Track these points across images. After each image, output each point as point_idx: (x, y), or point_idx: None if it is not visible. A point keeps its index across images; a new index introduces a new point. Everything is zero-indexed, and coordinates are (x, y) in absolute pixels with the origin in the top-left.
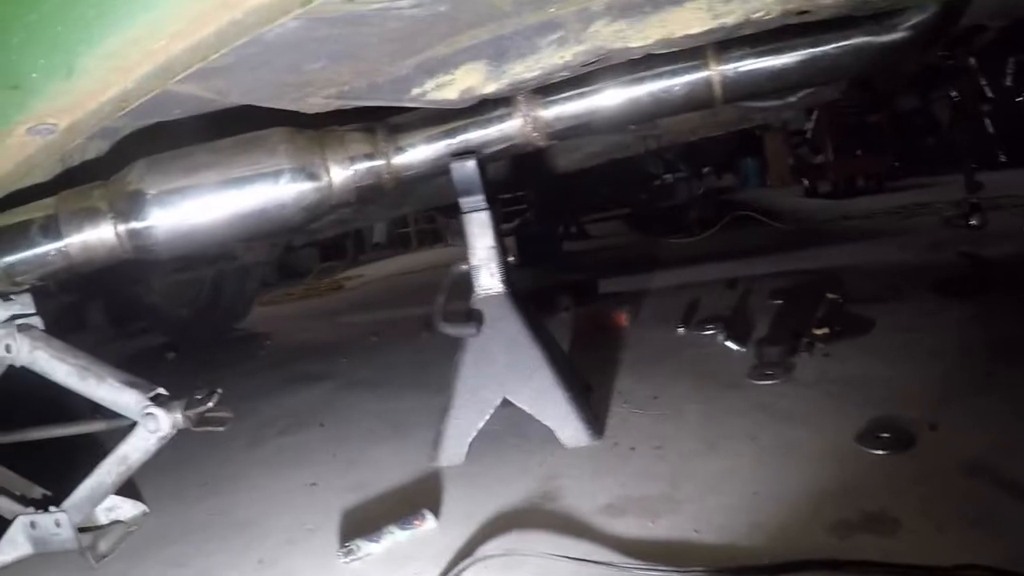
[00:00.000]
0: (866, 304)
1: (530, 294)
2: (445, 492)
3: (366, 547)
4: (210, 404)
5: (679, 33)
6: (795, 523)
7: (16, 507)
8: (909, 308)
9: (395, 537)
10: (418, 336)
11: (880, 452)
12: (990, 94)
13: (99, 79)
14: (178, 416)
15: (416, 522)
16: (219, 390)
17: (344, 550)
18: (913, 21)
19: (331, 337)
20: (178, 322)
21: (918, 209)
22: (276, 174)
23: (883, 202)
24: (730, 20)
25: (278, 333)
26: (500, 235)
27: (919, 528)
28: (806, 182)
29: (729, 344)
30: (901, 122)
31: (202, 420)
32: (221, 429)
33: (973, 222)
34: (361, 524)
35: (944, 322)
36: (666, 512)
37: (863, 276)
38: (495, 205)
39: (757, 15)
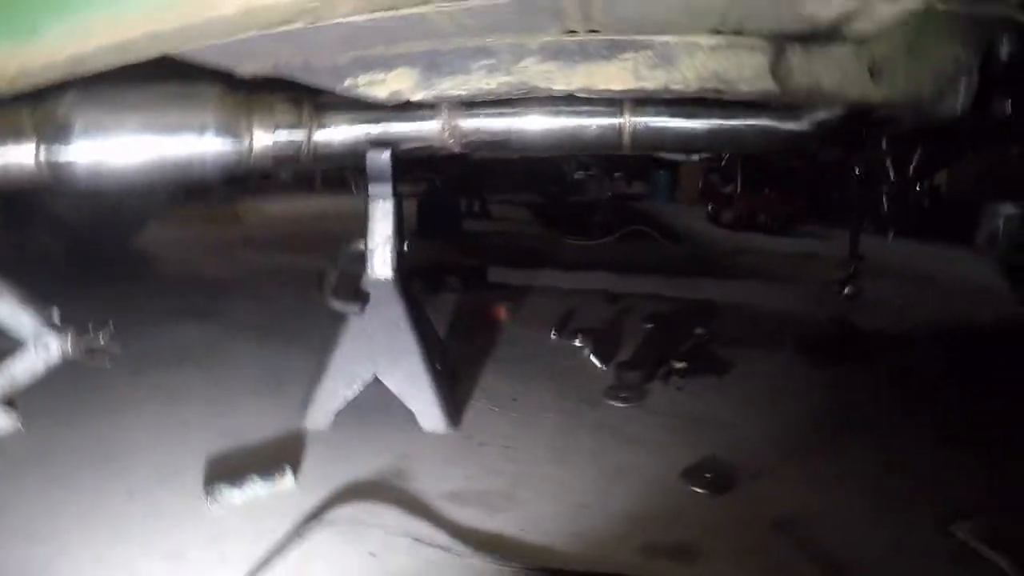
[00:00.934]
0: (730, 346)
1: (420, 269)
2: (307, 453)
3: (228, 493)
4: (100, 341)
5: (601, 86)
6: (610, 539)
7: None
8: (769, 360)
9: (255, 488)
10: (311, 291)
11: (700, 490)
12: (892, 176)
13: (59, 45)
14: (68, 346)
15: (277, 476)
16: (111, 325)
17: (207, 493)
18: (818, 118)
19: (225, 273)
20: (74, 231)
21: (808, 260)
22: (202, 128)
23: (778, 244)
24: (650, 85)
25: (170, 258)
26: (400, 225)
27: (716, 564)
28: (711, 207)
29: (593, 360)
30: (817, 170)
31: (89, 351)
32: (107, 366)
33: (846, 291)
34: (227, 470)
35: (797, 380)
36: (503, 509)
37: (736, 317)
38: (400, 197)
39: (676, 86)
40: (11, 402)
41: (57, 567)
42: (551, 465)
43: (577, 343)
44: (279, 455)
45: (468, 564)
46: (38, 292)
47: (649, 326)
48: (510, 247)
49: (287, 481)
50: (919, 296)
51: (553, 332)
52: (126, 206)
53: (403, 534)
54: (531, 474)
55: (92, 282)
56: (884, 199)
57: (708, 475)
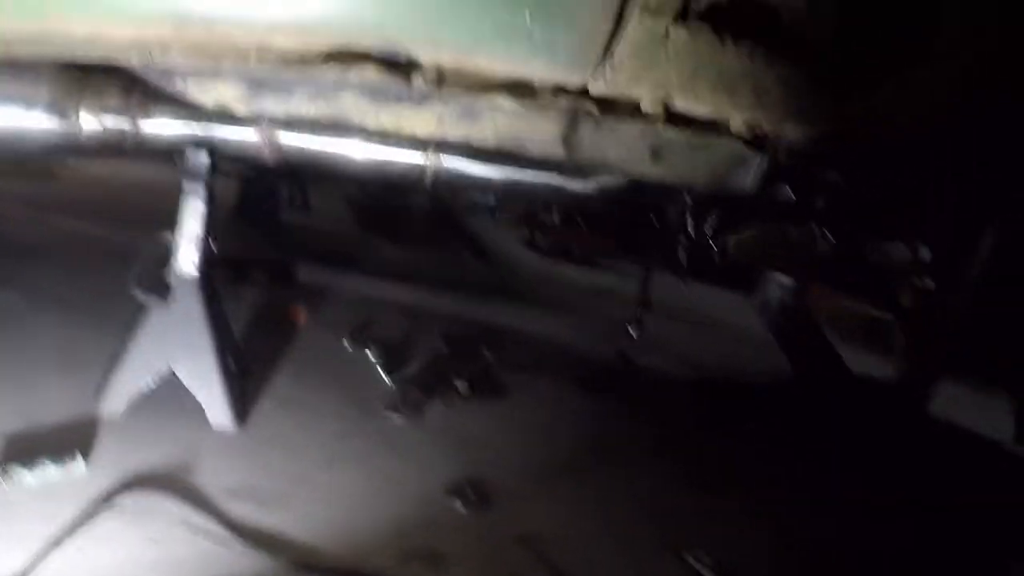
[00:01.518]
0: (514, 371)
1: (229, 259)
2: (100, 438)
3: (20, 474)
4: None
5: (407, 129)
6: (372, 543)
7: None
8: (548, 388)
9: (47, 470)
10: (124, 266)
11: (459, 504)
12: (691, 233)
13: None
14: None
15: (68, 460)
16: None
17: (1, 472)
18: (603, 183)
19: (32, 235)
20: None
21: (608, 294)
22: (29, 103)
23: (585, 277)
24: (452, 134)
25: None
26: (210, 226)
27: (462, 571)
28: (528, 232)
29: (381, 372)
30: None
31: None
32: None
33: (631, 331)
34: (20, 450)
35: (571, 411)
36: (277, 507)
37: (526, 344)
38: (213, 198)
39: (476, 139)
40: None
41: None
42: (326, 469)
43: (368, 353)
44: (72, 438)
45: (241, 556)
46: None
47: (441, 344)
48: (323, 244)
49: (78, 465)
50: (700, 340)
51: (347, 339)
52: None
53: (184, 524)
54: (306, 476)
55: None
56: (681, 248)
57: (467, 492)
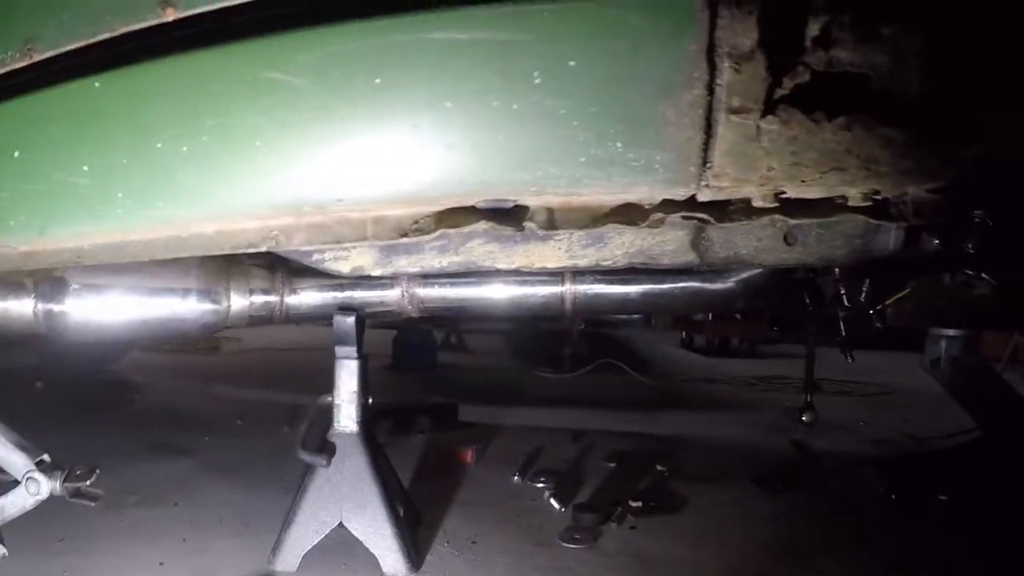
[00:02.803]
0: (688, 482)
1: (391, 410)
2: None
3: None
4: (87, 482)
5: (539, 264)
6: None
7: None
8: (725, 493)
9: None
10: (281, 428)
11: None
12: (847, 303)
13: (63, 240)
14: (56, 485)
15: None
16: (97, 470)
17: None
18: (743, 278)
19: (198, 407)
20: (51, 349)
21: (776, 381)
22: (184, 292)
23: (748, 368)
24: (583, 262)
25: (148, 387)
26: (364, 382)
27: None
28: (684, 334)
29: (552, 502)
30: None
31: (76, 493)
32: (92, 504)
33: (804, 419)
34: None
35: (751, 513)
36: None
37: (698, 450)
38: (365, 358)
39: (606, 262)
40: None
41: None
42: None
43: (539, 484)
44: None
45: None
46: (19, 423)
47: (611, 464)
48: (483, 381)
49: None
50: (875, 414)
51: (516, 474)
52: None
53: None
54: None
55: (71, 407)
56: (840, 323)
57: None
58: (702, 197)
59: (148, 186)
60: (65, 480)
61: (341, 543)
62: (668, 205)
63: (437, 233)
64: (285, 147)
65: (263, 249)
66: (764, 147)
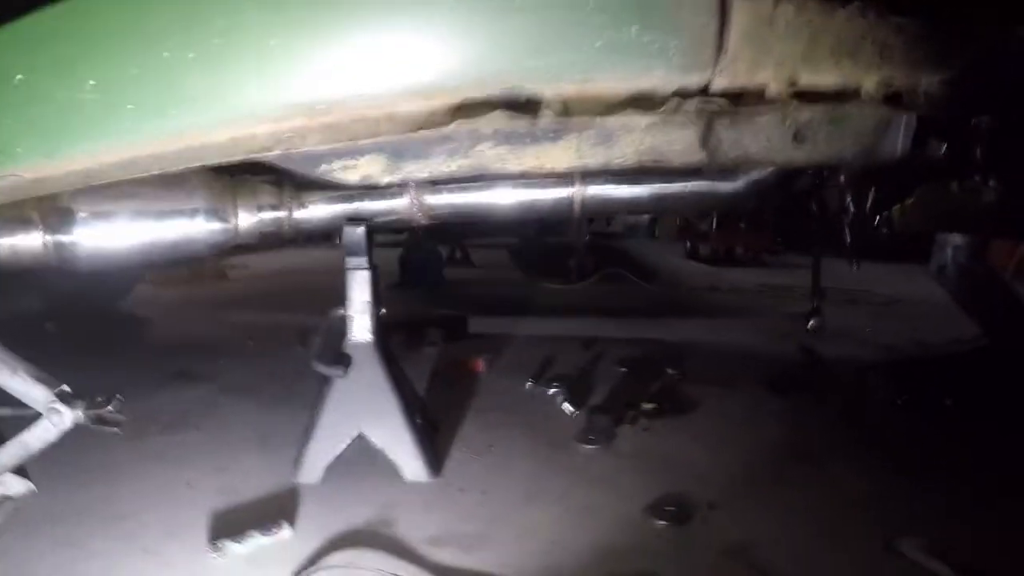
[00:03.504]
0: (700, 385)
1: (402, 323)
2: (301, 506)
3: (231, 547)
4: (109, 408)
5: (549, 166)
6: (578, 572)
7: None
8: (736, 396)
9: (257, 541)
10: (294, 348)
11: (661, 523)
12: (852, 210)
13: (72, 161)
14: (79, 413)
15: (275, 529)
16: (119, 397)
17: (213, 547)
18: (752, 178)
19: (210, 334)
20: (57, 290)
21: (781, 291)
22: (192, 212)
23: (753, 277)
24: (592, 162)
25: (160, 320)
26: (376, 293)
27: None
28: (688, 244)
29: (565, 406)
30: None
31: (99, 419)
32: (115, 431)
33: (810, 326)
34: (229, 526)
35: (762, 415)
36: (479, 549)
37: (707, 355)
38: (375, 268)
39: (616, 161)
40: (21, 467)
41: None
42: (523, 507)
43: (551, 390)
44: (276, 509)
45: None
46: (34, 360)
47: (623, 369)
48: (490, 295)
49: (284, 532)
50: (881, 322)
51: (529, 381)
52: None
53: (391, 574)
54: (505, 516)
55: (85, 346)
56: (846, 231)
57: (669, 509)
58: (716, 85)
59: (158, 96)
60: (87, 408)
61: (360, 453)
62: (683, 95)
63: (452, 126)
64: (297, 44)
65: (276, 152)
66: (778, 32)
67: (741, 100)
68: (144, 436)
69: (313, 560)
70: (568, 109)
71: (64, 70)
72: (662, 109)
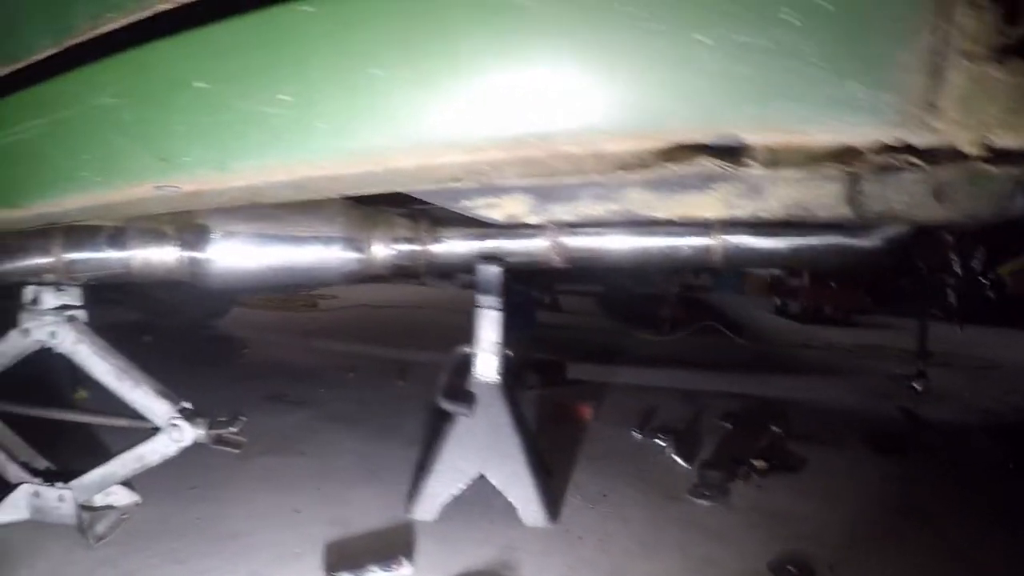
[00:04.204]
0: (803, 443)
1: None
2: (418, 543)
3: None
4: (232, 429)
5: (695, 213)
6: None
7: (22, 474)
8: (841, 455)
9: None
10: (392, 383)
11: None
12: (958, 270)
13: (240, 176)
14: (201, 432)
15: (394, 566)
16: (243, 418)
17: None
18: (889, 235)
19: (307, 360)
20: (154, 304)
21: (875, 351)
22: (329, 241)
23: (845, 336)
24: (739, 213)
25: (253, 342)
26: (504, 334)
27: None
28: (777, 300)
29: (676, 459)
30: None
31: (219, 440)
32: (236, 451)
33: (916, 387)
34: (343, 558)
35: (870, 475)
36: None
37: (807, 413)
38: (505, 310)
39: (762, 213)
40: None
41: None
42: (643, 559)
43: (659, 441)
44: (391, 544)
45: None
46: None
47: (726, 425)
48: (582, 341)
49: (404, 569)
50: (984, 385)
51: (635, 430)
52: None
53: None
54: (625, 567)
55: (181, 362)
56: (951, 291)
57: (791, 567)
58: (920, 141)
59: (353, 115)
60: (210, 427)
61: (476, 494)
62: (886, 151)
63: (654, 169)
64: (509, 74)
65: (467, 183)
66: (988, 93)
67: (935, 158)
68: (248, 456)
69: None
70: (774, 158)
71: (254, 81)
72: (867, 163)
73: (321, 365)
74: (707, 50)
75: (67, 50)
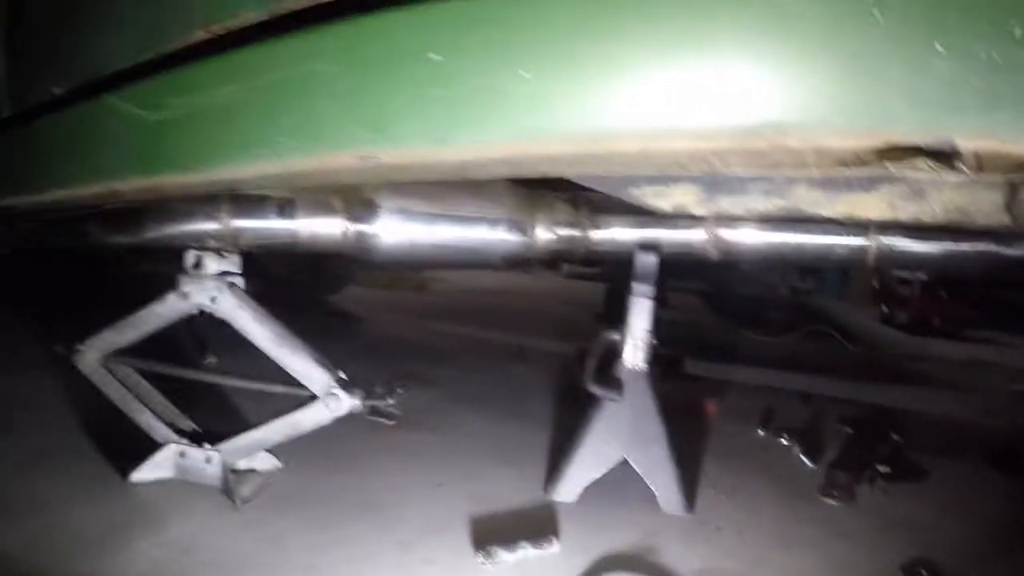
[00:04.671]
0: (923, 453)
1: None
2: (562, 523)
3: (501, 555)
4: (388, 401)
5: (859, 214)
6: None
7: (169, 434)
8: (961, 468)
9: (526, 552)
10: (512, 367)
11: None
12: None
13: (458, 151)
14: (358, 402)
15: (544, 543)
16: (400, 390)
17: (484, 552)
18: None
19: (424, 340)
20: (272, 278)
21: (988, 367)
22: (494, 222)
23: (954, 350)
24: (903, 215)
25: (371, 321)
26: (654, 323)
27: None
28: (884, 308)
29: (803, 458)
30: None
31: (375, 411)
32: (390, 423)
33: None
34: (490, 533)
35: (991, 491)
36: None
37: (924, 424)
38: (657, 299)
39: (924, 217)
40: None
41: None
42: (782, 552)
43: (783, 441)
44: (536, 522)
45: None
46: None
47: (846, 429)
48: (693, 337)
49: (554, 547)
50: None
51: (759, 429)
52: (328, 265)
53: None
54: (766, 559)
55: (304, 334)
56: None
57: (922, 572)
58: None
59: (587, 96)
60: (366, 397)
61: (611, 481)
62: None
63: (871, 167)
64: (751, 61)
65: (692, 170)
66: None
67: None
68: (380, 431)
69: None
70: (980, 164)
71: (496, 55)
72: None
73: (438, 346)
74: (942, 58)
75: (277, 17)
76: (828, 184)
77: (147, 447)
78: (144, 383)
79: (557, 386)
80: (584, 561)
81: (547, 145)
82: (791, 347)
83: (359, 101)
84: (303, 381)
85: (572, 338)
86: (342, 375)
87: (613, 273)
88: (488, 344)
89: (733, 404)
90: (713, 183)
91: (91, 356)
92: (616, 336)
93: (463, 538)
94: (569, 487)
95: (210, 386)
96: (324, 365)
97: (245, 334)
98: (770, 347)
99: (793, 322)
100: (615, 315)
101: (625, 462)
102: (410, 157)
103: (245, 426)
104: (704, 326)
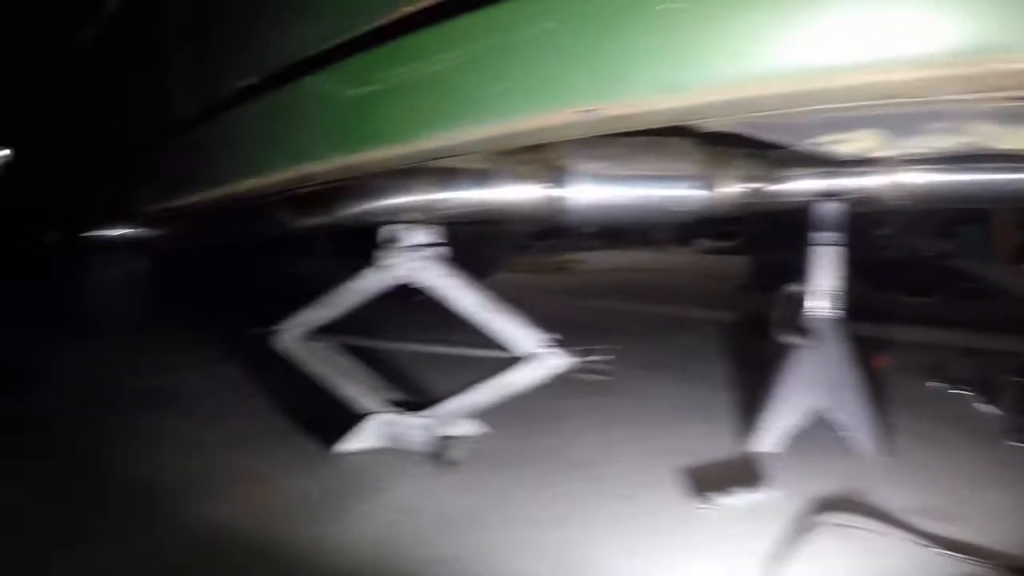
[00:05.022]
0: None
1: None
2: (768, 471)
3: (718, 500)
4: (600, 358)
5: None
6: None
7: (375, 405)
8: None
9: (741, 497)
10: (678, 336)
11: None
12: None
13: (689, 97)
14: (573, 360)
15: (757, 487)
16: (611, 352)
17: (702, 498)
18: None
19: (585, 316)
20: None
21: None
22: (679, 179)
23: None
24: None
25: (526, 302)
26: (840, 270)
27: None
28: None
29: (983, 406)
30: None
31: (587, 369)
32: (602, 378)
33: None
34: (703, 483)
35: None
36: (956, 520)
37: None
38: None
39: None
40: None
41: (582, 553)
42: (981, 491)
43: (959, 391)
44: (743, 471)
45: (952, 564)
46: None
47: (1019, 379)
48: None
49: (768, 492)
50: None
51: (930, 381)
52: (481, 251)
53: (887, 539)
54: (967, 497)
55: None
56: None
57: None
58: None
59: (821, 30)
60: (581, 356)
61: (806, 429)
62: None
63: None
64: None
65: (878, 101)
66: None
67: None
68: (569, 393)
69: (802, 518)
70: None
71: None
72: None
73: (599, 322)
74: None
75: None
76: (1005, 117)
77: (348, 421)
78: (343, 359)
79: (728, 350)
80: (800, 503)
81: (769, 85)
82: (945, 306)
83: (589, 55)
84: (513, 344)
85: (723, 308)
86: (557, 336)
87: (754, 244)
88: (648, 317)
89: (898, 360)
90: (894, 126)
91: (291, 336)
92: (798, 289)
93: (677, 488)
94: (768, 437)
95: (398, 357)
96: (531, 328)
97: (452, 302)
98: (924, 307)
99: (943, 282)
100: (764, 283)
101: (817, 411)
102: (636, 107)
103: (449, 392)
104: (854, 292)
